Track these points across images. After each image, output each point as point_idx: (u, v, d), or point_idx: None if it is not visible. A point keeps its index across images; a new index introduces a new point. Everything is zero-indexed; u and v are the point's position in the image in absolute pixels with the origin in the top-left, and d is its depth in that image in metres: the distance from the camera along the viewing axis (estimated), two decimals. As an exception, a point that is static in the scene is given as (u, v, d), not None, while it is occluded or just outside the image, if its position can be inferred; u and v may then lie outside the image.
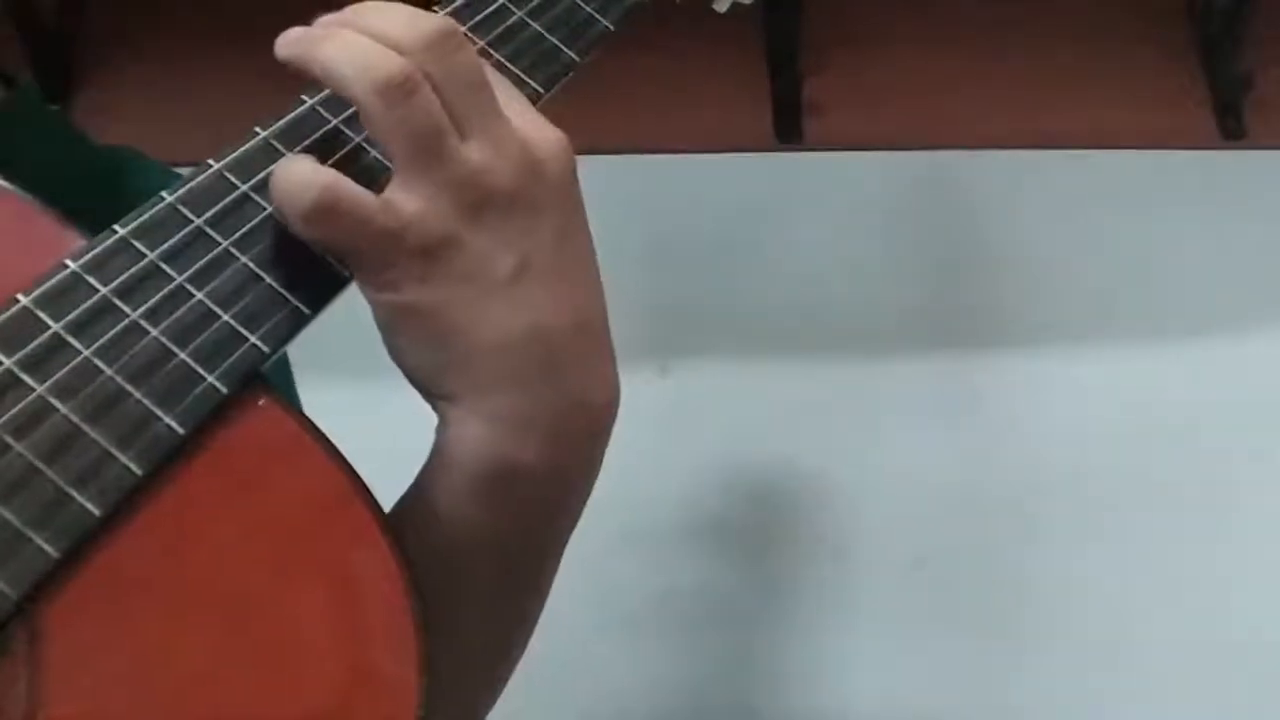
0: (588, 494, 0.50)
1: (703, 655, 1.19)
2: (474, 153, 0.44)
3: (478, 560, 0.48)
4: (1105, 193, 1.41)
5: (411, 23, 0.44)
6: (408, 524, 0.47)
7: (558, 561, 0.52)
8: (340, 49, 0.44)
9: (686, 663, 1.18)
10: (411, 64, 0.43)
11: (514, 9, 0.53)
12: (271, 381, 0.46)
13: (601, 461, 0.49)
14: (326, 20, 0.46)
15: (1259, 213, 1.40)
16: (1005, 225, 1.40)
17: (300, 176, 0.44)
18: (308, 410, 0.47)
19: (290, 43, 0.46)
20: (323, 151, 0.48)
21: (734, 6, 0.66)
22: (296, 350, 0.49)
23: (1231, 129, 1.46)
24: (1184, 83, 1.48)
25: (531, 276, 0.45)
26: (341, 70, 0.44)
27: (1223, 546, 1.22)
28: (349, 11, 0.46)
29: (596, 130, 0.91)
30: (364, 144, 0.48)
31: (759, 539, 1.24)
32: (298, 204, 0.43)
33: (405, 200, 0.44)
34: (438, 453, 0.47)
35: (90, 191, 0.53)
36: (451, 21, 0.45)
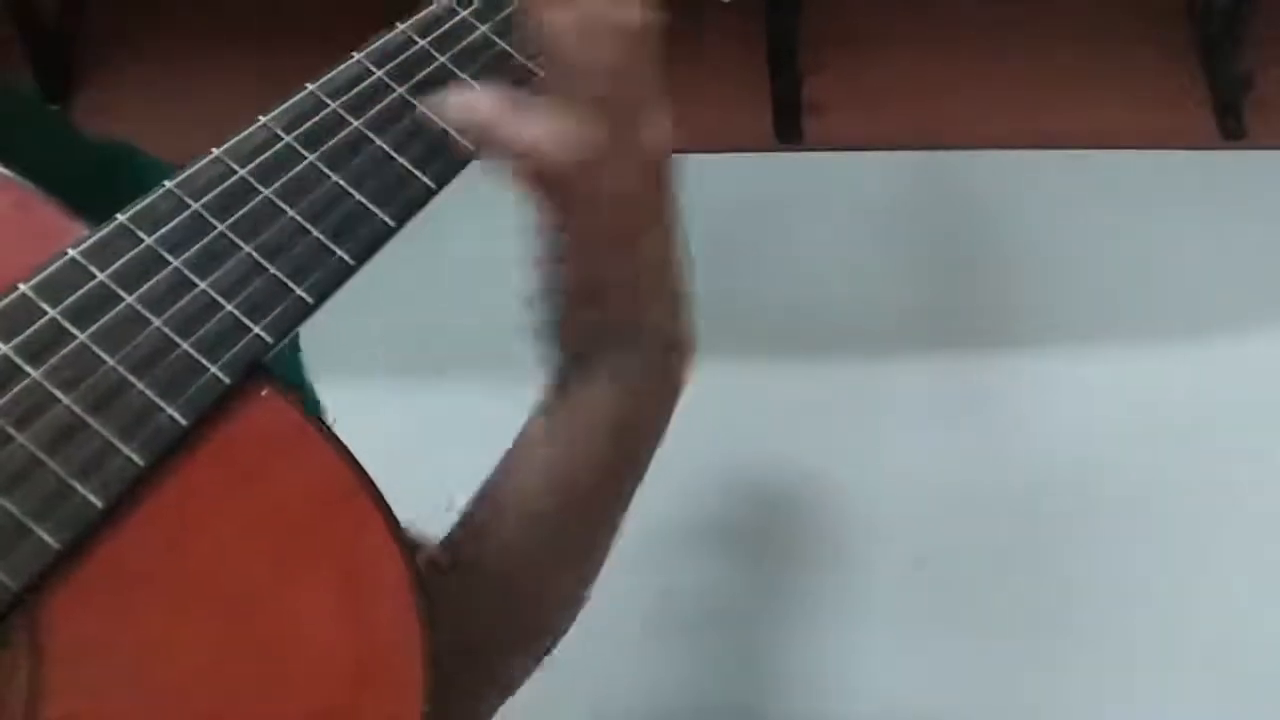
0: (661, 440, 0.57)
1: (703, 654, 1.18)
2: (651, 127, 0.50)
3: (596, 499, 0.57)
4: (1105, 193, 1.41)
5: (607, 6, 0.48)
6: (525, 470, 0.53)
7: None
8: (567, 21, 0.48)
9: (686, 662, 1.18)
10: (601, 52, 0.48)
11: (478, 24, 0.53)
12: (282, 367, 0.46)
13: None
14: None
15: (1259, 213, 1.40)
16: (1005, 225, 1.40)
17: (477, 97, 0.48)
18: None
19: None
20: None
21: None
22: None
23: (1231, 129, 1.46)
24: (1184, 83, 1.48)
25: (671, 243, 0.53)
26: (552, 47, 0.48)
27: (1224, 545, 1.22)
28: None
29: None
30: (367, 134, 0.48)
31: (759, 539, 1.24)
32: (471, 117, 0.47)
33: (610, 161, 0.48)
34: (564, 407, 0.53)
35: (87, 186, 0.52)
36: (637, 14, 0.49)
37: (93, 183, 0.58)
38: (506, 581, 0.55)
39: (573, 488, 0.55)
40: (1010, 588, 1.20)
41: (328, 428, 0.45)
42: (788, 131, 1.45)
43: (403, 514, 0.47)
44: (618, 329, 0.53)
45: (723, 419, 1.28)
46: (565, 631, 0.62)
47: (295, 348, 0.61)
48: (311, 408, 0.58)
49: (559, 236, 0.50)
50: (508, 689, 0.61)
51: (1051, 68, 1.48)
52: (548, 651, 0.62)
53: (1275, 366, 1.31)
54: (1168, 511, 1.23)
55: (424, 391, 1.28)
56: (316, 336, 0.53)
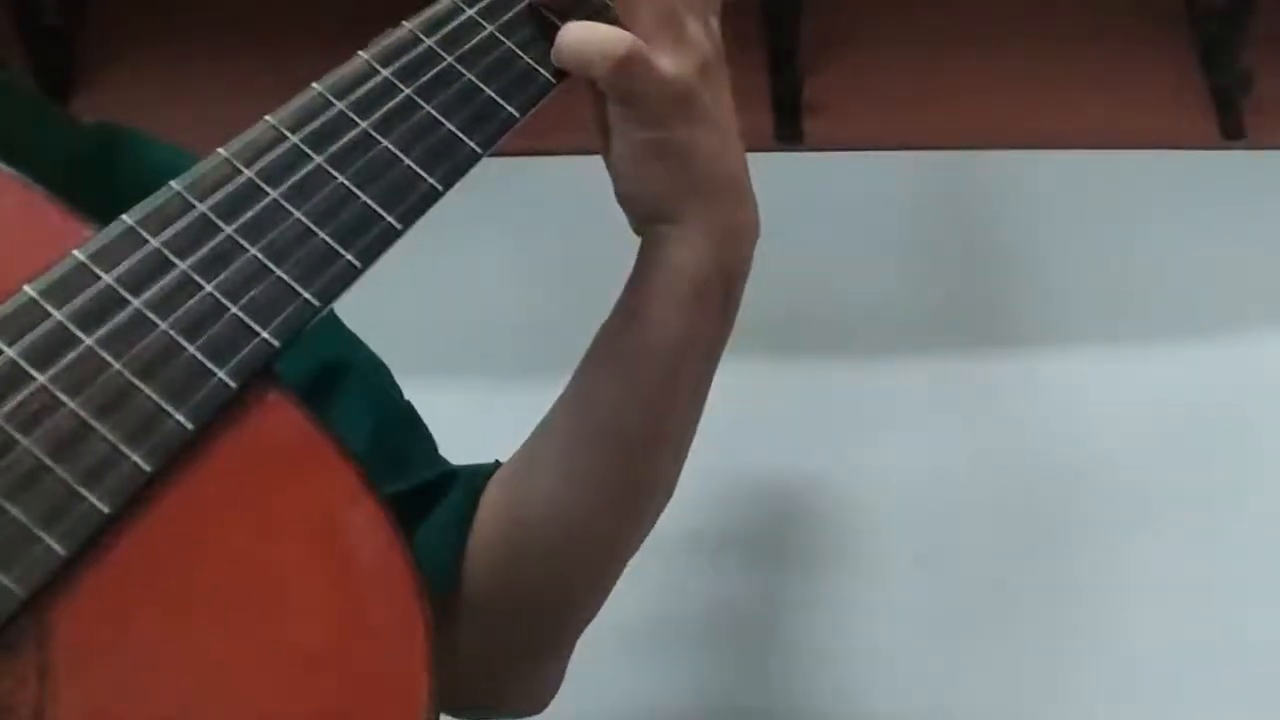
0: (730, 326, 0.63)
1: (702, 654, 1.18)
2: (696, 32, 0.57)
3: (688, 359, 0.61)
4: (1105, 193, 1.41)
5: None
6: (624, 334, 0.59)
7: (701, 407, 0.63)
8: None
9: (685, 661, 1.18)
10: None
11: (485, 23, 0.53)
12: (322, 335, 0.46)
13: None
14: None
15: (1259, 213, 1.40)
16: (1005, 225, 1.40)
17: (611, 32, 0.54)
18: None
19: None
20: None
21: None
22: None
23: (1231, 129, 1.46)
24: (1184, 83, 1.48)
25: (728, 122, 0.59)
26: None
27: (1225, 546, 1.22)
28: None
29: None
30: (373, 135, 0.48)
31: (758, 538, 1.24)
32: (613, 51, 0.53)
33: (664, 62, 0.55)
34: (657, 268, 0.58)
35: (87, 175, 0.53)
36: None
37: (94, 173, 0.58)
38: (565, 524, 0.60)
39: (648, 379, 0.60)
40: (1010, 588, 1.20)
41: (333, 431, 0.45)
42: (788, 131, 1.45)
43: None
44: (706, 198, 0.58)
45: (722, 419, 1.28)
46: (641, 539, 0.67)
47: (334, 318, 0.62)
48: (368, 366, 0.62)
49: (663, 139, 0.55)
50: (582, 616, 0.67)
51: (1051, 68, 1.48)
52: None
53: (1275, 366, 1.31)
54: (1168, 511, 1.23)
55: (424, 391, 1.28)
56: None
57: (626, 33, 0.54)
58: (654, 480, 0.64)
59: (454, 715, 0.65)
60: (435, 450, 0.68)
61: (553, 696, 0.69)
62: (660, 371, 0.60)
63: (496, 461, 0.65)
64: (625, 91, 0.54)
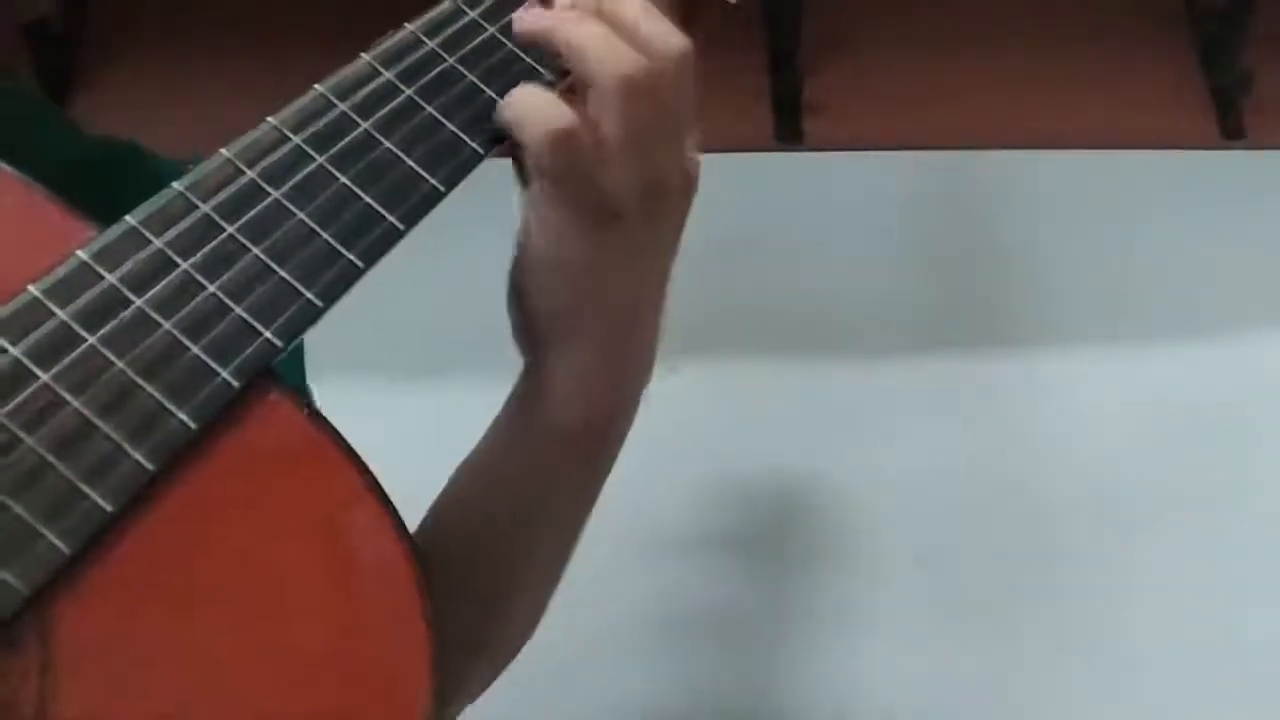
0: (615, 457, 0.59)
1: (702, 654, 1.18)
2: (667, 157, 0.52)
3: (548, 505, 0.56)
4: (1105, 193, 1.41)
5: (667, 33, 0.52)
6: (487, 465, 0.55)
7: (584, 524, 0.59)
8: (595, 36, 0.50)
9: (686, 661, 1.18)
10: (656, 68, 0.50)
11: (486, 25, 0.53)
12: (282, 365, 0.46)
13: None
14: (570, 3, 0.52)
15: (1259, 213, 1.40)
16: (1005, 225, 1.40)
17: (561, 106, 0.50)
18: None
19: (532, 17, 0.52)
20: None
21: (743, 0, 0.66)
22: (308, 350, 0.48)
23: (1231, 129, 1.46)
24: (1184, 83, 1.48)
25: (654, 263, 0.55)
26: (597, 53, 0.50)
27: (1226, 546, 1.22)
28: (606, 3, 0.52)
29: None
30: (375, 136, 0.48)
31: (758, 538, 1.24)
32: (554, 123, 0.49)
33: (610, 168, 0.50)
34: (526, 398, 0.55)
35: (90, 182, 0.53)
36: (690, 43, 0.52)
37: (94, 177, 0.58)
38: (475, 573, 0.56)
39: (548, 463, 0.56)
40: (1010, 587, 1.20)
41: (335, 431, 0.45)
42: (788, 131, 1.45)
43: (405, 515, 0.47)
44: (592, 332, 0.54)
45: (722, 418, 1.28)
46: (529, 635, 0.62)
47: (299, 347, 0.61)
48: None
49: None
50: (468, 696, 0.62)
51: (1051, 68, 1.48)
52: (510, 657, 0.62)
53: (1275, 366, 1.31)
54: (1168, 511, 1.23)
55: (424, 391, 1.28)
56: (317, 336, 0.53)
57: (574, 114, 0.50)
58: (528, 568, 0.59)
59: None
60: None
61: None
62: (518, 518, 0.56)
63: None
64: (548, 172, 0.50)
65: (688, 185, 0.55)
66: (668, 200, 0.53)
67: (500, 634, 0.60)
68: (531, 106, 0.50)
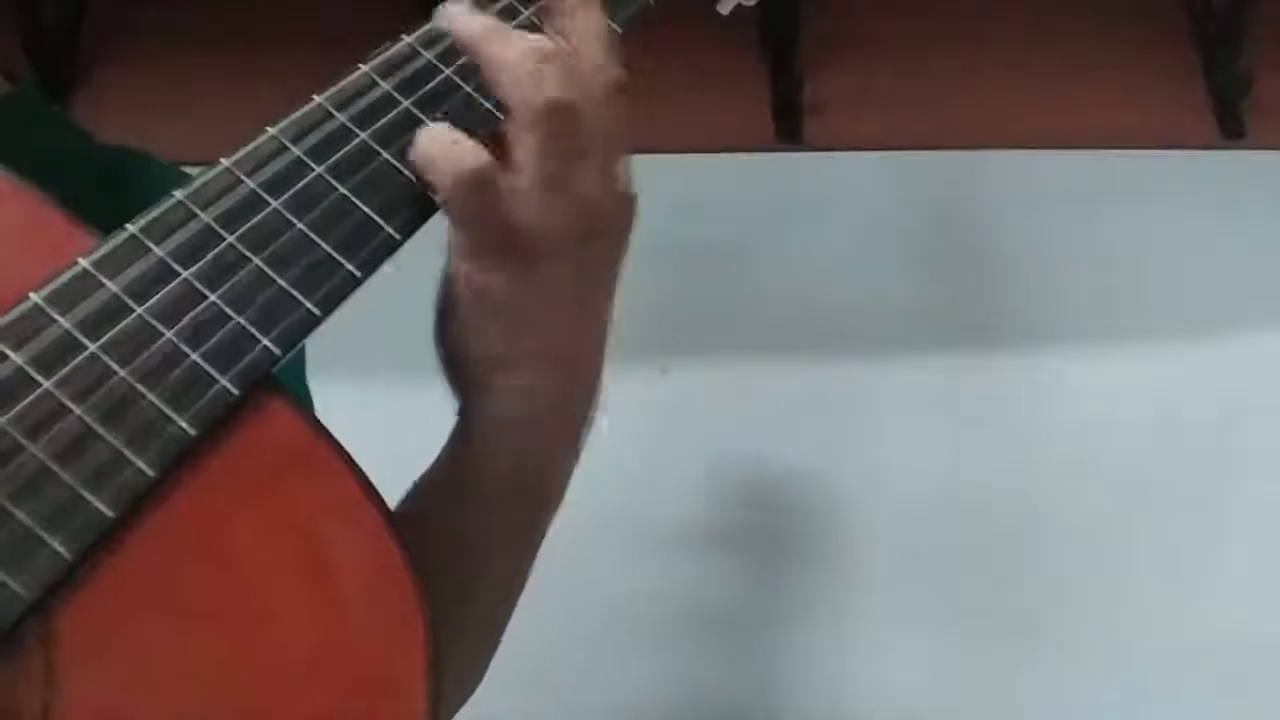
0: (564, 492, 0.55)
1: (701, 654, 1.19)
2: (593, 192, 0.49)
3: (492, 555, 0.53)
4: (1105, 193, 1.41)
5: (596, 66, 0.49)
6: (430, 504, 0.52)
7: (534, 557, 0.56)
8: (520, 56, 0.48)
9: (684, 661, 1.18)
10: (580, 99, 0.48)
11: (521, 9, 0.54)
12: (283, 371, 0.46)
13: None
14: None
15: (1259, 213, 1.40)
16: (1005, 225, 1.40)
17: (469, 147, 0.47)
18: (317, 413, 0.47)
19: (463, 21, 0.50)
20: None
21: (736, 7, 0.66)
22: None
23: (1231, 129, 1.46)
24: (1184, 83, 1.48)
25: (590, 302, 0.52)
26: (515, 73, 0.48)
27: (1223, 545, 1.22)
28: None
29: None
30: (374, 147, 0.49)
31: (758, 538, 1.24)
32: (463, 165, 0.47)
33: (531, 211, 0.48)
34: (457, 442, 0.52)
35: (93, 187, 0.53)
36: (623, 75, 0.49)
37: (97, 182, 0.58)
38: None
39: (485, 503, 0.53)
40: (1010, 587, 1.20)
41: (333, 438, 0.46)
42: (788, 131, 1.45)
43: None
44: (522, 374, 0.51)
45: (722, 418, 1.28)
46: (468, 692, 0.59)
47: (300, 352, 0.61)
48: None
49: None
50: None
51: (1051, 68, 1.48)
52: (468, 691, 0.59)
53: (1275, 367, 1.31)
54: (1167, 510, 1.24)
55: (424, 391, 1.28)
56: (317, 336, 0.54)
57: (485, 154, 0.47)
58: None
59: None
60: None
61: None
62: (451, 567, 0.51)
63: None
64: (460, 216, 0.48)
65: (622, 220, 0.51)
66: (599, 237, 0.50)
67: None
68: (440, 147, 0.48)
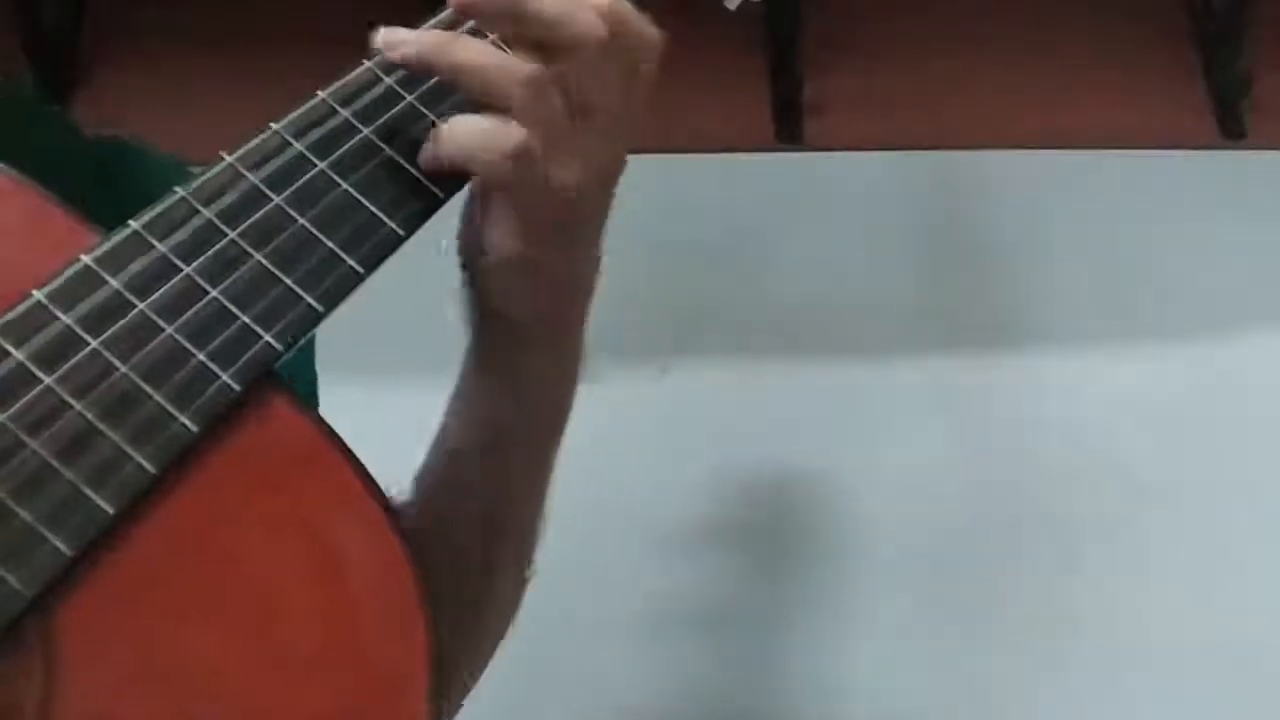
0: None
1: (701, 654, 1.19)
2: (610, 146, 0.51)
3: (535, 411, 0.57)
4: (1105, 193, 1.41)
5: (564, 21, 0.50)
6: (471, 388, 0.56)
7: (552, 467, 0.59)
8: (481, 54, 0.49)
9: (684, 662, 1.18)
10: (550, 70, 0.49)
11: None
12: (291, 358, 0.46)
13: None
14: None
15: (1259, 213, 1.40)
16: (1005, 225, 1.40)
17: (501, 124, 0.49)
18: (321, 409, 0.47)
19: (412, 43, 0.50)
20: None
21: (743, 5, 0.66)
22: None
23: (1231, 129, 1.46)
24: (1184, 83, 1.48)
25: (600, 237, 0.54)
26: (484, 65, 0.49)
27: (1223, 546, 1.22)
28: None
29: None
30: (376, 143, 0.49)
31: (758, 538, 1.24)
32: (508, 144, 0.48)
33: (555, 168, 0.50)
34: (491, 389, 0.55)
35: (88, 181, 0.53)
36: (600, 29, 0.49)
37: (92, 176, 0.58)
38: (454, 549, 0.55)
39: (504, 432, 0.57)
40: (1010, 587, 1.20)
41: (336, 434, 0.46)
42: (788, 132, 1.46)
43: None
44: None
45: (721, 418, 1.28)
46: (517, 605, 0.62)
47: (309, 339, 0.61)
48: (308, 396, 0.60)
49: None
50: (471, 672, 0.62)
51: (1051, 68, 1.48)
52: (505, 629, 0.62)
53: (1274, 366, 1.31)
54: (1167, 510, 1.24)
55: (422, 392, 1.28)
56: (318, 337, 0.54)
57: (520, 128, 0.49)
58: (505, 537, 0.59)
59: None
60: None
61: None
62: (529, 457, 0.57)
63: None
64: (516, 195, 0.50)
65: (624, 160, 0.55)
66: (614, 182, 0.53)
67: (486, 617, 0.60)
68: (474, 136, 0.49)
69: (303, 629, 0.44)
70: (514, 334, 0.54)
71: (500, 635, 0.62)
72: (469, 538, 0.57)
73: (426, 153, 0.49)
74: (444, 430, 0.58)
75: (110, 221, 0.45)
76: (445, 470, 0.57)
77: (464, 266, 0.54)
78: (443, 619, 0.46)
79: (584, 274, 0.55)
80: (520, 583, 0.61)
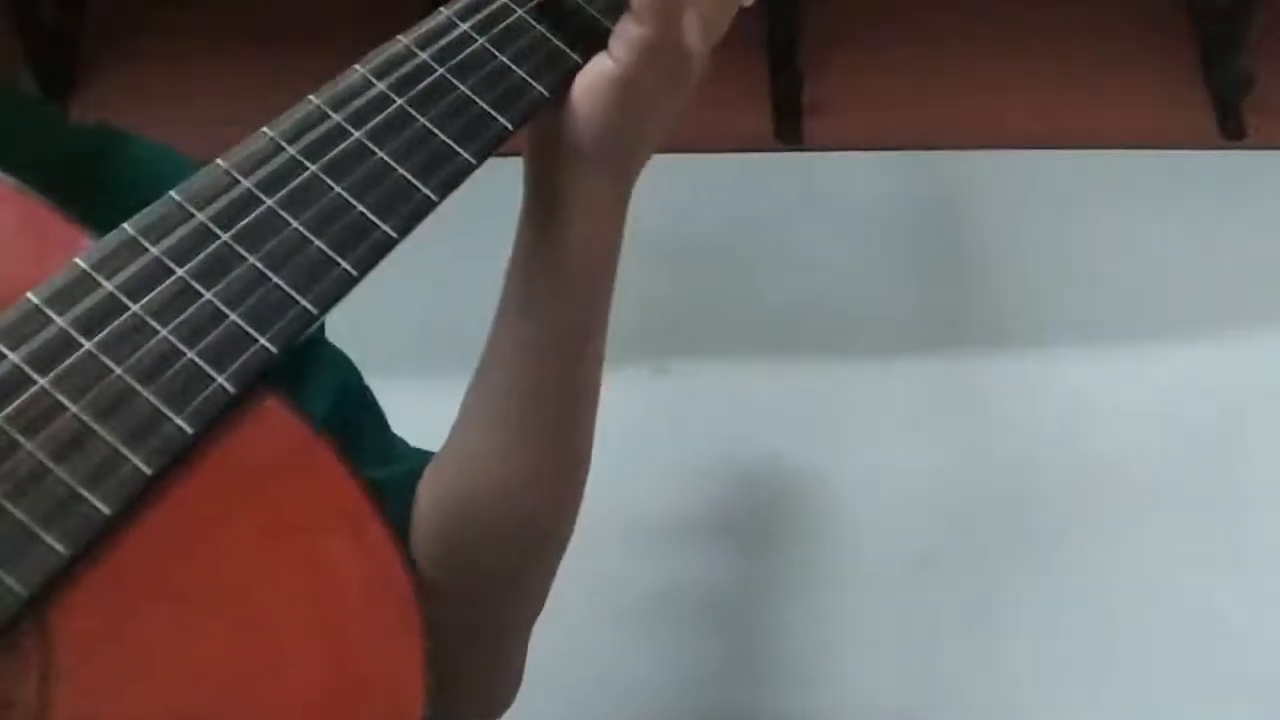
0: None
1: (700, 654, 1.19)
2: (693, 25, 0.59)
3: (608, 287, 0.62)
4: (1105, 193, 1.41)
5: None
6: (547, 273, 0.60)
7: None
8: None
9: (683, 661, 1.18)
10: None
11: (515, 8, 0.54)
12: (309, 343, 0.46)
13: None
14: None
15: (1259, 213, 1.40)
16: (1005, 225, 1.40)
17: None
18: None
19: None
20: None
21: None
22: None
23: (1231, 129, 1.46)
24: (1184, 83, 1.48)
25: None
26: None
27: (1222, 546, 1.22)
28: None
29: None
30: (369, 146, 0.49)
31: (757, 538, 1.24)
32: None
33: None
34: (596, 194, 0.59)
35: (73, 171, 0.53)
36: None
37: (77, 166, 0.58)
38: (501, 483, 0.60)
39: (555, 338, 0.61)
40: (1010, 587, 1.21)
41: (331, 438, 0.46)
42: (788, 131, 1.46)
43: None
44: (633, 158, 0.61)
45: (721, 418, 1.29)
46: (570, 527, 0.66)
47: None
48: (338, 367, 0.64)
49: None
50: (532, 605, 0.67)
51: (1051, 68, 1.48)
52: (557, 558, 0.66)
53: (1274, 366, 1.31)
54: (1168, 511, 1.24)
55: (422, 392, 1.28)
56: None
57: None
58: (580, 427, 0.63)
59: None
60: (386, 431, 0.69)
61: (511, 700, 0.69)
62: (591, 298, 0.62)
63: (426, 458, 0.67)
64: (659, 17, 0.56)
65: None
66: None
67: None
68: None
69: (295, 631, 0.44)
70: (603, 163, 0.58)
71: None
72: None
73: None
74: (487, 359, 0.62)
75: (96, 208, 0.46)
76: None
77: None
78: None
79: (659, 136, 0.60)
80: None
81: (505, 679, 0.68)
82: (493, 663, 0.67)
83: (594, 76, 0.56)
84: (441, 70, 0.51)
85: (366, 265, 0.48)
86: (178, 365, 0.44)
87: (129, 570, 0.42)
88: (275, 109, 0.49)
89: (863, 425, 1.28)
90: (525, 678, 0.68)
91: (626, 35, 0.56)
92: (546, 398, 0.61)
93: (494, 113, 0.51)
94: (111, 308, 0.44)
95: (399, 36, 0.52)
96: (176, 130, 0.76)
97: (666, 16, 0.56)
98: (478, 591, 0.62)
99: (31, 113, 0.70)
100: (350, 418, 0.65)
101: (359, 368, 0.71)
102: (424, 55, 0.51)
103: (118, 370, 0.43)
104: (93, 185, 0.48)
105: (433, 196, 0.50)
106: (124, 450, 0.42)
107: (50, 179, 0.46)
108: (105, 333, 0.43)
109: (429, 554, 0.60)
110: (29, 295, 0.43)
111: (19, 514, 0.41)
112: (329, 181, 0.48)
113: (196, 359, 0.44)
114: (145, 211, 0.46)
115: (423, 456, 0.65)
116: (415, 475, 0.62)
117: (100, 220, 0.46)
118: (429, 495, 0.62)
